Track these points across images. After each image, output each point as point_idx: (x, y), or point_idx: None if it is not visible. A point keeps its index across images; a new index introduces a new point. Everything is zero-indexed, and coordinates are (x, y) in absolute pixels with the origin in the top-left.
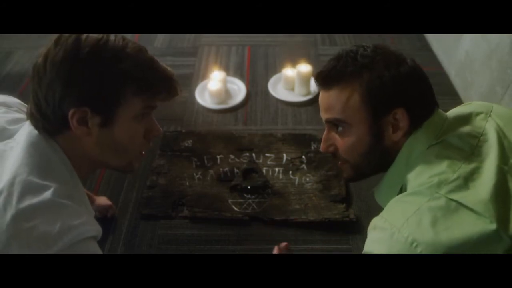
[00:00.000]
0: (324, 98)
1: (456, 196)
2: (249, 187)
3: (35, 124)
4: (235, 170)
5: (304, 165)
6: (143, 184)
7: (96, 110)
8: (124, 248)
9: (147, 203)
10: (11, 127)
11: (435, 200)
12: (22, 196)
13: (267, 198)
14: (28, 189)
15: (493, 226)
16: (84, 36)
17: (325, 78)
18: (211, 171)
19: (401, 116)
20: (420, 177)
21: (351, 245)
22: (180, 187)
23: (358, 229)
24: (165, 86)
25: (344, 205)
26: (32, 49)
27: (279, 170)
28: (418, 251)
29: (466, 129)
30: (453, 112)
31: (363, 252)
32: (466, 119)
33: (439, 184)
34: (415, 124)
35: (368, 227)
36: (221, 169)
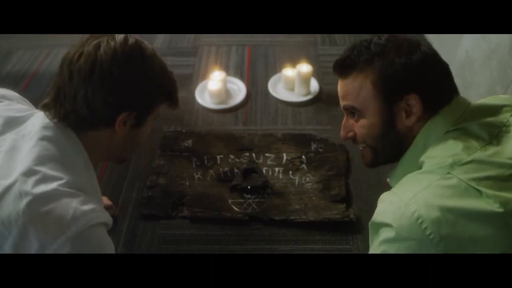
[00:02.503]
0: (341, 86)
1: (466, 177)
2: (249, 187)
3: (59, 115)
4: (235, 170)
5: (304, 165)
6: (143, 184)
7: (137, 113)
8: (124, 248)
9: (147, 203)
10: (19, 115)
11: (446, 180)
12: (37, 184)
13: (267, 198)
14: (43, 179)
15: (501, 210)
16: (129, 44)
17: (341, 67)
18: (211, 171)
19: (414, 102)
20: (435, 158)
21: (351, 245)
22: (180, 187)
23: (358, 229)
24: (176, 94)
25: (344, 205)
26: (32, 49)
27: (279, 170)
28: (423, 227)
29: (488, 118)
30: (477, 102)
31: (370, 222)
32: (490, 109)
33: (452, 165)
34: (431, 110)
35: (368, 227)
36: (221, 169)
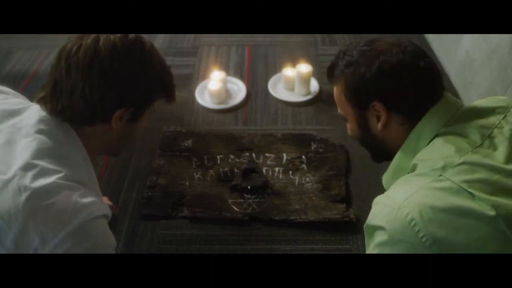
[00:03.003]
0: (334, 93)
1: (458, 179)
2: (249, 187)
3: (56, 110)
4: (235, 170)
5: (304, 165)
6: (143, 184)
7: (134, 109)
8: (124, 248)
9: (147, 203)
10: (15, 107)
11: (439, 182)
12: (35, 178)
13: (267, 198)
14: (41, 173)
15: (493, 213)
16: (129, 38)
17: (327, 77)
18: (211, 171)
19: (379, 108)
20: (427, 161)
21: (351, 245)
22: (180, 187)
23: (358, 229)
24: (174, 89)
25: (344, 205)
26: (32, 49)
27: (279, 170)
28: (416, 229)
29: (480, 120)
30: (471, 104)
31: (365, 225)
32: (482, 111)
33: (444, 167)
34: (409, 113)
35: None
36: (221, 169)
